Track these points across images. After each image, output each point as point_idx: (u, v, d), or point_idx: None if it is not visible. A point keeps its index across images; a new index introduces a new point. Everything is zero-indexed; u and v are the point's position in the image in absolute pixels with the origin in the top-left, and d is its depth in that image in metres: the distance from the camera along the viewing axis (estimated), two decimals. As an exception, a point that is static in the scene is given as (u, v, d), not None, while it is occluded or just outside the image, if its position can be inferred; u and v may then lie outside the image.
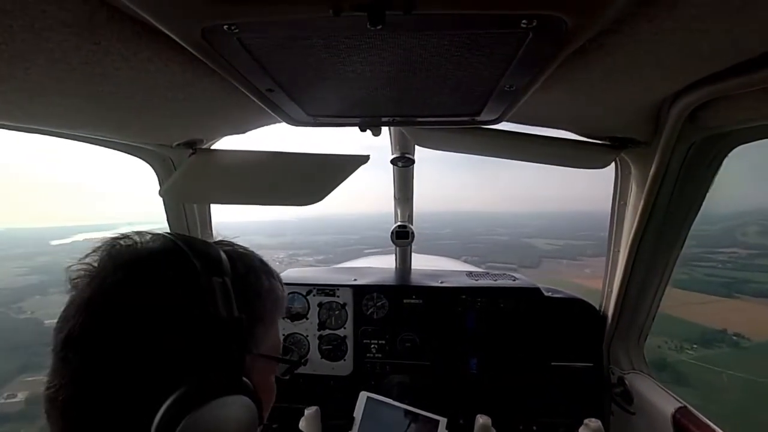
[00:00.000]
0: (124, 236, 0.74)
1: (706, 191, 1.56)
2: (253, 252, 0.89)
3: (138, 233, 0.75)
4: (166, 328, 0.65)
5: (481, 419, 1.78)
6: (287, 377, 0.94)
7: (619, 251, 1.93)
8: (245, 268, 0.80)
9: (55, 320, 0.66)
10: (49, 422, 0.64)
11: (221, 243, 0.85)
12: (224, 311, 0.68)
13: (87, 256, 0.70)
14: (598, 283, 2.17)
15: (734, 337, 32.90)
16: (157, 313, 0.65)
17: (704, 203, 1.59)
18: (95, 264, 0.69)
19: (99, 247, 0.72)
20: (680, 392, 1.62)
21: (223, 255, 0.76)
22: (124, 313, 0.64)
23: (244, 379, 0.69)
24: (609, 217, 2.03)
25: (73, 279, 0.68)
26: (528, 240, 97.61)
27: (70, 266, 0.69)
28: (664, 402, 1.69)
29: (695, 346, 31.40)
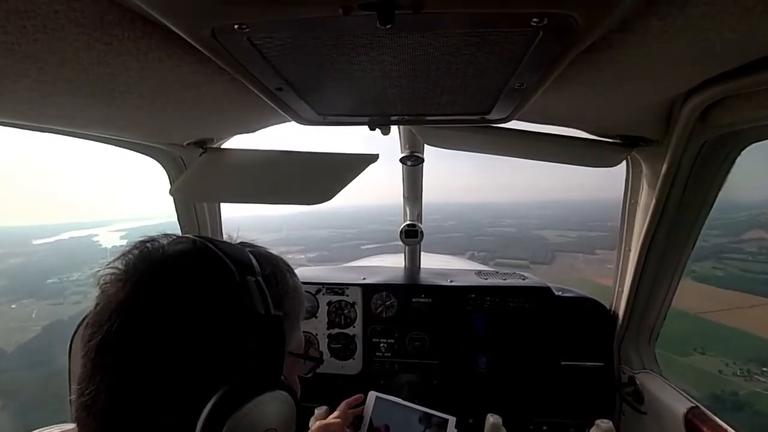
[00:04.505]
0: (151, 239, 0.74)
1: (718, 190, 1.55)
2: (274, 253, 0.91)
3: (164, 236, 0.75)
4: (206, 327, 0.65)
5: (492, 418, 1.77)
6: (309, 375, 0.95)
7: (630, 250, 1.92)
8: (271, 268, 0.81)
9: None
10: (83, 431, 0.64)
11: (244, 245, 0.86)
12: (262, 309, 0.68)
13: (115, 260, 0.70)
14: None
15: (805, 355, 28.04)
16: (197, 313, 0.65)
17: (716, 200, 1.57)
18: (124, 267, 0.68)
19: (127, 252, 0.71)
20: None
21: (251, 255, 0.77)
22: (162, 314, 0.64)
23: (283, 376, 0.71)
24: (616, 206, 2.01)
25: (102, 284, 0.68)
26: (538, 232, 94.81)
27: (97, 271, 0.68)
28: (676, 402, 1.67)
29: (765, 369, 27.01)
